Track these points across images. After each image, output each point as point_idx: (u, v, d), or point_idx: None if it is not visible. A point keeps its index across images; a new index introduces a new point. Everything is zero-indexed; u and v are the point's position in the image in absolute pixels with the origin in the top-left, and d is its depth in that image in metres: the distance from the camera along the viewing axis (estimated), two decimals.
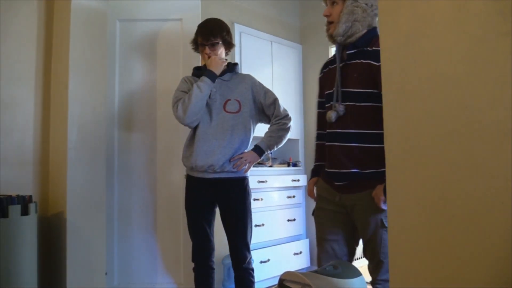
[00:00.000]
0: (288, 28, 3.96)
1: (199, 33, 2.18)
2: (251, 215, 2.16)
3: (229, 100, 2.14)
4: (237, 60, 3.32)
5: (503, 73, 0.81)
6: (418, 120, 0.95)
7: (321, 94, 1.91)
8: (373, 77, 1.59)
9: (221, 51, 2.19)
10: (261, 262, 3.07)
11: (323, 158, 1.85)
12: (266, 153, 2.21)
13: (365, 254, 1.71)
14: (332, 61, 1.83)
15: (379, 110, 1.62)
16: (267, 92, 2.21)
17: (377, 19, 1.65)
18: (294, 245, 3.40)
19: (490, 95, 0.83)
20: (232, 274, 2.21)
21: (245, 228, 2.13)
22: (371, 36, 1.65)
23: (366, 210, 1.63)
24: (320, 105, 1.93)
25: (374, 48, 1.61)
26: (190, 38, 2.27)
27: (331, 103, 1.72)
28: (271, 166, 3.53)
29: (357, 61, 1.65)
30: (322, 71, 1.93)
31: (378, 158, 1.63)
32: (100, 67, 2.31)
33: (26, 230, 1.85)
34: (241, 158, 2.11)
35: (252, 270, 2.16)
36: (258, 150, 2.18)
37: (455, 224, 0.87)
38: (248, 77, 2.24)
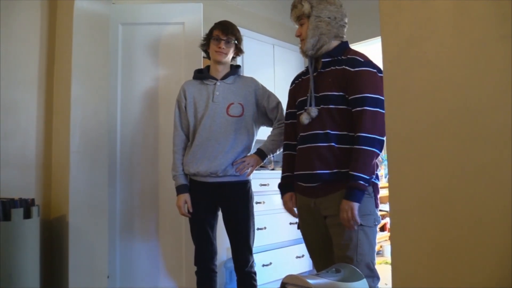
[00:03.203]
0: (290, 31, 3.94)
1: (217, 27, 2.15)
2: (253, 218, 2.16)
3: (232, 103, 2.13)
4: (239, 63, 3.32)
5: (504, 76, 0.81)
6: (420, 123, 0.95)
7: (290, 105, 1.98)
8: (346, 82, 1.68)
9: (231, 52, 2.19)
10: (263, 265, 3.07)
11: (290, 169, 1.90)
12: (268, 156, 2.20)
13: (337, 258, 1.67)
14: (304, 73, 1.93)
15: (351, 113, 1.67)
16: (270, 95, 2.21)
17: (344, 29, 1.81)
18: (296, 248, 3.38)
19: (492, 97, 0.83)
20: (234, 278, 2.20)
21: (248, 231, 2.12)
22: (344, 47, 1.80)
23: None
24: (289, 116, 1.99)
25: (348, 56, 1.73)
26: (192, 41, 2.27)
27: (305, 108, 1.77)
28: (273, 170, 3.53)
29: (332, 68, 1.75)
30: (293, 83, 2.00)
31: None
32: (103, 70, 2.31)
33: (29, 233, 1.85)
34: (244, 161, 2.11)
35: (255, 273, 2.15)
36: (261, 153, 2.17)
37: (456, 226, 0.87)
38: (251, 80, 2.24)
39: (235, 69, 2.23)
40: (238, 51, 2.23)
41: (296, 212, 1.93)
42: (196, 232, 2.16)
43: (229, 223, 2.15)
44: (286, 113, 2.03)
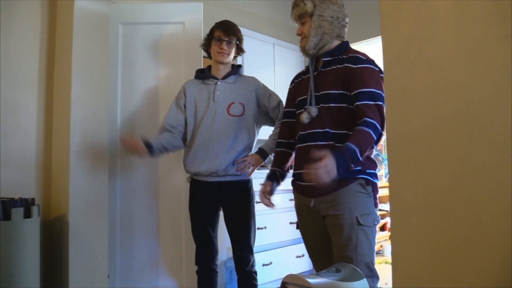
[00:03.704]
0: (290, 31, 3.95)
1: (219, 28, 2.15)
2: (254, 218, 2.16)
3: (233, 103, 2.13)
4: (239, 63, 3.32)
5: (504, 76, 0.81)
6: (420, 122, 0.95)
7: (289, 104, 1.98)
8: (347, 80, 1.68)
9: (233, 52, 2.19)
10: (264, 265, 3.07)
11: (280, 165, 1.98)
12: (269, 156, 2.20)
13: (336, 258, 1.66)
14: (305, 72, 1.93)
15: (353, 111, 1.66)
16: (271, 95, 2.21)
17: (345, 29, 1.81)
18: (296, 248, 3.38)
19: (492, 97, 0.83)
20: (235, 277, 2.20)
21: (249, 231, 2.13)
22: (345, 47, 1.79)
23: (339, 209, 1.63)
24: (286, 115, 1.99)
25: (350, 55, 1.72)
26: (192, 41, 2.27)
27: (305, 107, 1.77)
28: None
29: (333, 67, 1.74)
30: (293, 82, 2.00)
31: None
32: (103, 70, 2.31)
33: (29, 233, 1.85)
34: (245, 161, 2.11)
35: (255, 273, 2.15)
36: (262, 153, 2.17)
37: (456, 226, 0.87)
38: (252, 80, 2.24)
39: (236, 69, 2.23)
40: (240, 50, 2.23)
41: (268, 201, 1.95)
42: (197, 232, 2.16)
43: (230, 223, 2.15)
44: (283, 111, 2.03)
